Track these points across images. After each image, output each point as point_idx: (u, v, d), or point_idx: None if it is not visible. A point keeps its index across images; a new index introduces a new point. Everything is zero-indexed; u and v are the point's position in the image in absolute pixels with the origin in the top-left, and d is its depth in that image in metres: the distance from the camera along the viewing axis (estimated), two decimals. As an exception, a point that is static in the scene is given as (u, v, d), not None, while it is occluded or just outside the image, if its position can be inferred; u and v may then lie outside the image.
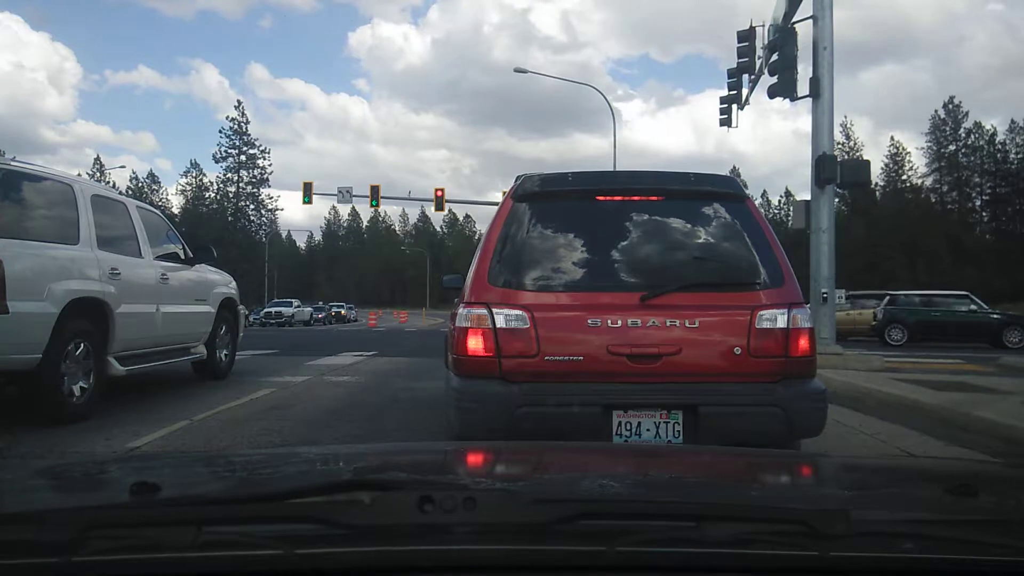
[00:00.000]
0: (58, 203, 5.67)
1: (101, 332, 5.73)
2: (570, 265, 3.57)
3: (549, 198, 3.70)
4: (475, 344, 3.41)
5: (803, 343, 3.45)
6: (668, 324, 3.37)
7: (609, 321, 3.37)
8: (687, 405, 3.32)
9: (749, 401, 3.37)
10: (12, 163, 5.52)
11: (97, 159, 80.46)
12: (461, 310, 3.53)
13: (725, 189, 3.78)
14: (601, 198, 3.73)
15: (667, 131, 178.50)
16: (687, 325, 3.38)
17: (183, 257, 7.47)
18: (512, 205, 3.65)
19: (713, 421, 3.29)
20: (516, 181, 3.85)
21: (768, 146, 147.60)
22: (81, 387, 5.45)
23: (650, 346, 3.36)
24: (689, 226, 3.68)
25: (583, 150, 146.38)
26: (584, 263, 3.57)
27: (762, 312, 3.41)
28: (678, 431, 3.32)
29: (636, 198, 3.74)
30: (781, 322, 3.40)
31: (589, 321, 3.39)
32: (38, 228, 5.46)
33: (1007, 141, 60.94)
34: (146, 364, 6.51)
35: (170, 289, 6.98)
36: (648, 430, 3.32)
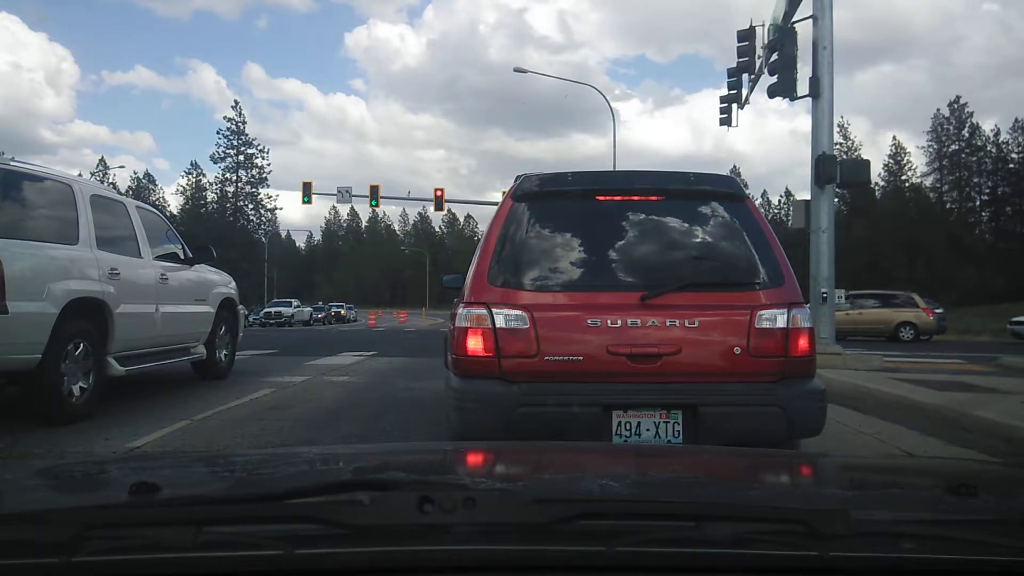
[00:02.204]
0: (58, 203, 5.67)
1: (100, 332, 5.73)
2: (570, 265, 3.56)
3: (549, 198, 3.69)
4: (475, 344, 3.40)
5: (803, 343, 3.44)
6: (668, 324, 3.36)
7: (609, 321, 3.36)
8: (687, 405, 3.32)
9: (749, 401, 3.37)
10: (12, 163, 5.52)
11: (101, 160, 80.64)
12: (461, 310, 3.52)
13: (725, 189, 3.76)
14: (601, 198, 3.73)
15: (665, 131, 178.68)
16: (687, 325, 3.38)
17: (183, 257, 7.47)
18: (512, 205, 3.64)
19: (713, 421, 3.29)
20: (516, 181, 3.84)
21: (765, 146, 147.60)
22: (81, 387, 5.45)
23: (650, 346, 3.35)
24: (689, 226, 3.67)
25: (581, 150, 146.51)
26: (584, 263, 3.56)
27: (762, 312, 3.40)
28: (678, 431, 3.31)
29: (636, 198, 3.72)
30: (781, 322, 3.40)
31: (589, 321, 3.38)
32: (38, 228, 5.46)
33: (1009, 140, 60.98)
34: (146, 364, 6.50)
35: (169, 289, 6.97)
36: (648, 430, 3.31)
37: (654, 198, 3.72)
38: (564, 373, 3.36)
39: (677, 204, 3.70)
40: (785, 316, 3.41)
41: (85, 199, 5.87)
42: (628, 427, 3.32)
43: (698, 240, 3.66)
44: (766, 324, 3.40)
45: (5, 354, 4.82)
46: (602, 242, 3.59)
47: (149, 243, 6.79)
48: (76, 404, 5.40)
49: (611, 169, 14.18)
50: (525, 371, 3.35)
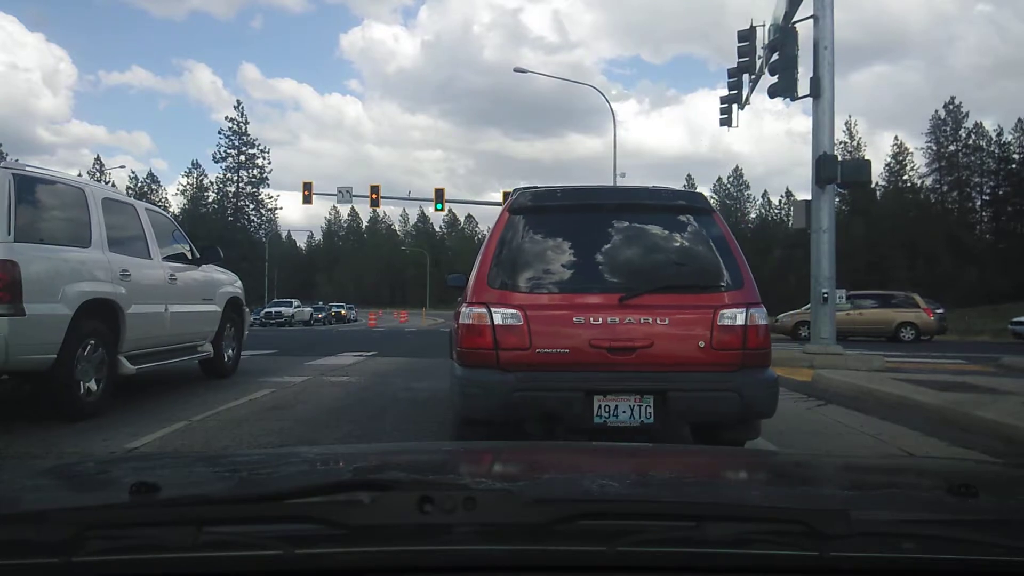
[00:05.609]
0: (70, 206, 5.76)
1: (112, 332, 5.83)
2: (558, 270, 4.01)
3: (541, 211, 4.13)
4: (476, 339, 3.85)
5: (758, 338, 3.92)
6: (642, 321, 3.83)
7: (592, 319, 3.82)
8: (657, 391, 3.76)
9: (711, 387, 3.83)
10: (26, 168, 5.57)
11: (97, 159, 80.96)
12: (464, 309, 3.98)
13: (695, 203, 4.25)
14: (586, 211, 4.20)
15: (661, 131, 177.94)
16: (659, 322, 3.85)
17: (190, 257, 7.55)
18: (508, 217, 4.10)
19: (679, 404, 3.77)
20: (512, 195, 4.36)
21: (762, 146, 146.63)
22: (93, 385, 5.54)
23: (627, 340, 3.80)
24: (663, 235, 4.16)
25: (578, 150, 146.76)
26: (570, 268, 4.02)
27: (723, 311, 3.87)
28: (649, 412, 3.76)
29: (617, 211, 4.21)
30: (740, 320, 3.86)
31: (574, 319, 3.83)
32: (52, 231, 5.53)
33: (1012, 141, 60.90)
34: (155, 363, 6.59)
35: (178, 289, 7.04)
36: (624, 412, 3.75)
37: (633, 211, 4.19)
38: (553, 363, 3.80)
39: (653, 216, 4.18)
40: (744, 315, 3.87)
41: (97, 202, 5.95)
42: (607, 409, 3.76)
43: (670, 248, 4.15)
44: (727, 322, 3.86)
45: (22, 354, 4.91)
46: (587, 250, 4.04)
47: (158, 244, 6.88)
48: (89, 402, 5.51)
49: (606, 176, 14.19)
50: (519, 362, 3.79)
